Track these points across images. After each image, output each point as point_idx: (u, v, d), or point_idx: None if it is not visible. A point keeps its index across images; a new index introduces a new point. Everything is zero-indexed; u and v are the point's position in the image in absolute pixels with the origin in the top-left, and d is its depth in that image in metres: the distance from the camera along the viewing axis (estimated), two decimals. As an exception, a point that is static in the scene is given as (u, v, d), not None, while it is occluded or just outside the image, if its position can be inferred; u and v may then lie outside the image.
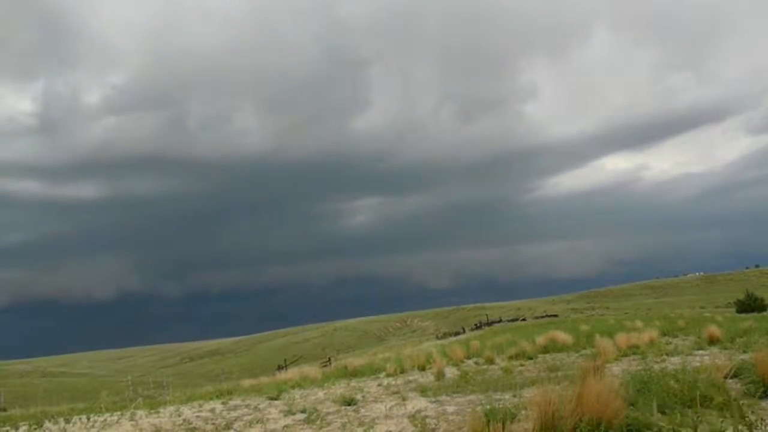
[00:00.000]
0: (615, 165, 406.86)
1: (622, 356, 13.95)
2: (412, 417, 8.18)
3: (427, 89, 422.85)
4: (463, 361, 17.23)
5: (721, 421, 3.74)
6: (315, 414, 9.27)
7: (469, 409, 8.16)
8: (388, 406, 9.45)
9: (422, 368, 16.36)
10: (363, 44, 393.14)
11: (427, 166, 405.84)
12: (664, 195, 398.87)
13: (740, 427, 3.62)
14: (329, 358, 43.25)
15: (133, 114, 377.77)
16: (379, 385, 13.33)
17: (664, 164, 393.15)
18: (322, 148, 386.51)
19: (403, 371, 16.12)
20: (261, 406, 11.08)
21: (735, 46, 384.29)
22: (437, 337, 59.90)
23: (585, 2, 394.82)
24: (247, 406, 11.41)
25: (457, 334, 57.41)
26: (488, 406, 7.16)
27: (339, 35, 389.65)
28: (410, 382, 13.33)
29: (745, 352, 12.37)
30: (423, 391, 11.07)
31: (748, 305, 41.63)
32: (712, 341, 15.21)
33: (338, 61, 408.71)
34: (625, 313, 58.45)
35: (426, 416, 8.16)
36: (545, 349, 17.75)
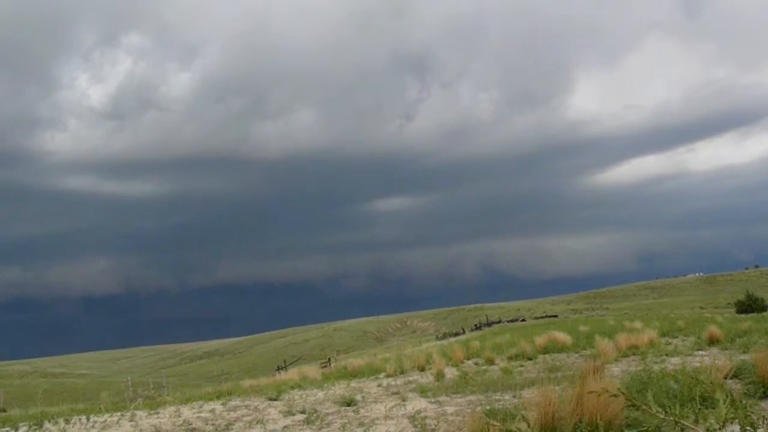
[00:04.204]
0: (651, 162, 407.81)
1: (621, 357, 13.95)
2: (412, 417, 8.18)
3: (481, 88, 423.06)
4: (462, 362, 17.23)
5: (722, 421, 3.75)
6: (315, 415, 9.27)
7: (468, 410, 8.16)
8: (387, 407, 9.45)
9: (422, 369, 16.35)
10: (431, 46, 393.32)
11: (459, 164, 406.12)
12: (702, 191, 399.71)
13: (743, 425, 3.62)
14: (329, 359, 43.24)
15: (187, 109, 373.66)
16: (378, 385, 13.33)
17: (703, 162, 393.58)
18: (378, 146, 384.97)
19: (402, 372, 16.11)
20: (261, 407, 11.07)
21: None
22: (437, 338, 59.91)
23: (640, 8, 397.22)
24: (246, 406, 11.41)
25: (456, 334, 57.44)
26: (488, 407, 7.17)
27: (412, 37, 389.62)
28: (410, 382, 13.33)
29: (745, 352, 12.36)
30: (423, 391, 11.07)
31: (748, 306, 41.59)
32: (712, 342, 15.21)
33: (405, 62, 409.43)
34: (625, 314, 58.48)
35: (426, 417, 8.16)
36: (545, 350, 17.75)
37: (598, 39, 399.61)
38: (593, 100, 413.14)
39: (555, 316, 69.99)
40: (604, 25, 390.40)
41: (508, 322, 66.48)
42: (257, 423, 9.13)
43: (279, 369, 39.93)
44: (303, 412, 9.66)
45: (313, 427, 8.35)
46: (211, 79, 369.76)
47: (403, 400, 10.05)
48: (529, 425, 5.58)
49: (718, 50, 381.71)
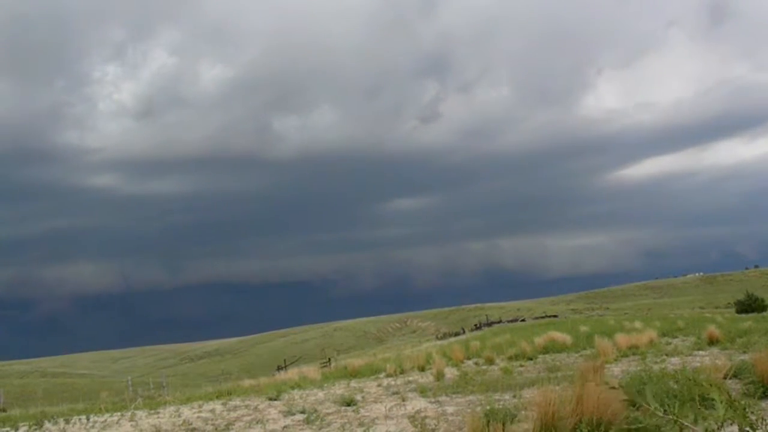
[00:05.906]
0: (666, 162, 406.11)
1: (621, 357, 13.95)
2: (412, 417, 8.18)
3: (497, 88, 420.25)
4: (462, 362, 17.24)
5: (721, 421, 3.75)
6: (315, 414, 9.28)
7: (468, 410, 8.17)
8: (387, 407, 9.45)
9: (422, 369, 16.36)
10: (451, 48, 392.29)
11: (469, 163, 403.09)
12: (719, 190, 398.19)
13: (742, 426, 3.63)
14: (329, 359, 43.24)
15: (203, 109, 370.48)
16: (378, 385, 13.34)
17: (719, 160, 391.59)
18: (396, 146, 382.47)
19: (402, 372, 16.12)
20: (261, 407, 11.08)
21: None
22: (437, 338, 59.94)
23: (664, 10, 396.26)
24: (246, 406, 11.41)
25: (456, 334, 57.42)
26: (488, 407, 7.17)
27: (432, 41, 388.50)
28: (410, 382, 13.34)
29: (744, 352, 12.37)
30: (423, 391, 11.08)
31: (748, 306, 41.61)
32: (712, 342, 15.22)
33: (426, 65, 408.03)
34: (625, 314, 58.47)
35: (426, 417, 8.17)
36: (545, 350, 17.76)
37: (616, 39, 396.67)
38: (605, 99, 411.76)
39: (555, 316, 69.90)
40: (622, 26, 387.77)
41: (508, 322, 66.40)
42: (257, 423, 9.14)
43: (279, 369, 39.93)
44: (303, 412, 9.66)
45: (313, 427, 8.36)
46: (234, 77, 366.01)
47: (403, 400, 10.06)
48: (529, 425, 5.58)
49: (736, 49, 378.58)
